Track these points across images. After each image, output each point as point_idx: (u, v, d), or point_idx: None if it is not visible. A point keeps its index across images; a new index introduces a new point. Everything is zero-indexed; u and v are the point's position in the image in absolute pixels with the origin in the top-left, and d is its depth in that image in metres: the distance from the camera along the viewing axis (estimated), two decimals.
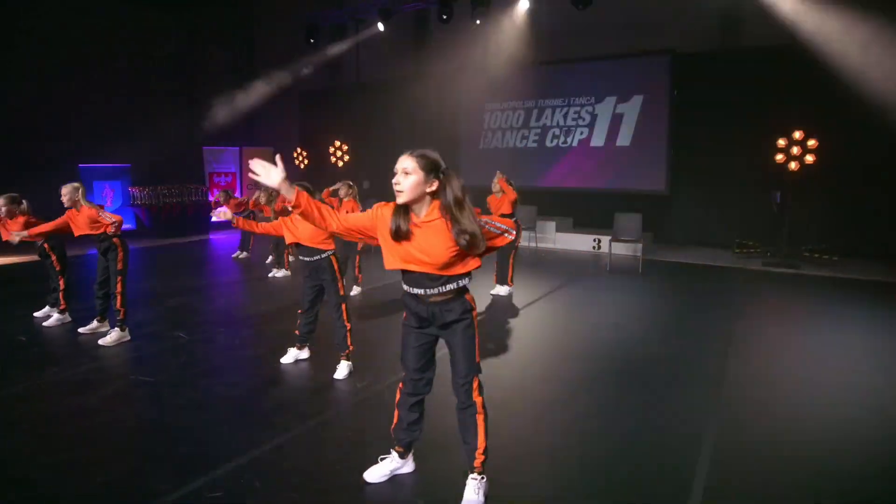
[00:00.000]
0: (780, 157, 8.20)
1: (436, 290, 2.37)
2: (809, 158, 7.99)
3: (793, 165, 8.13)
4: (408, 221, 2.31)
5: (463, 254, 2.32)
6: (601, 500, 2.60)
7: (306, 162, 14.60)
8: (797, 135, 8.03)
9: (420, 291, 2.40)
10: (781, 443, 3.12)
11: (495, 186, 6.56)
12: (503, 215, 6.60)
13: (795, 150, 8.09)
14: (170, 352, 4.60)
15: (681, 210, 10.28)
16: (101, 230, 4.76)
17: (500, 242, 2.39)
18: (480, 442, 2.53)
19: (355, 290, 6.70)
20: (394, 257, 2.38)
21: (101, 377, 4.04)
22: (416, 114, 12.62)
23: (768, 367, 4.28)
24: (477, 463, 2.54)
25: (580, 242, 10.19)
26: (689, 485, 2.69)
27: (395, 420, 2.72)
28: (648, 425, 3.31)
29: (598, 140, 11.06)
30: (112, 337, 4.75)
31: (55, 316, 5.36)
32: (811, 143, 7.94)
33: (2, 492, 2.65)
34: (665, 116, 10.22)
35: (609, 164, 10.94)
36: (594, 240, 9.90)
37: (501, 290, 6.65)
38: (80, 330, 5.03)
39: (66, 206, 4.83)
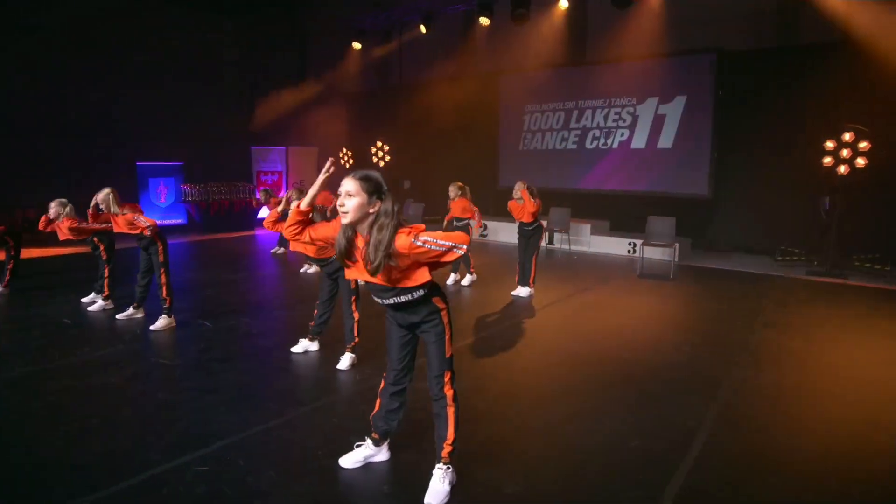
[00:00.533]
0: (828, 160, 7.78)
1: (391, 301, 2.48)
2: (860, 162, 7.54)
3: (842, 169, 7.69)
4: (350, 241, 2.40)
5: (405, 269, 2.35)
6: (566, 502, 2.60)
7: (351, 162, 15.01)
8: (847, 136, 7.59)
9: (378, 300, 2.52)
10: (768, 455, 3.01)
11: (516, 193, 6.56)
12: (523, 223, 6.60)
13: (845, 152, 7.65)
14: (192, 338, 4.91)
15: (724, 215, 9.89)
16: (139, 231, 5.13)
17: (449, 258, 2.32)
18: (450, 433, 2.61)
19: None
20: (349, 269, 2.50)
21: (126, 358, 4.37)
22: (457, 115, 12.72)
23: (781, 379, 4.10)
24: (444, 453, 2.61)
25: (616, 246, 9.99)
26: (661, 492, 2.65)
27: (376, 407, 2.83)
28: (633, 430, 3.26)
29: (639, 142, 10.81)
30: (161, 323, 5.12)
31: (99, 302, 5.80)
32: (862, 145, 7.48)
33: (14, 450, 2.95)
34: (708, 118, 9.87)
35: (650, 167, 10.67)
36: (629, 243, 9.68)
37: (522, 291, 6.65)
38: (118, 316, 5.43)
39: (105, 210, 5.28)
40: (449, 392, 2.61)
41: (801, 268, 8.28)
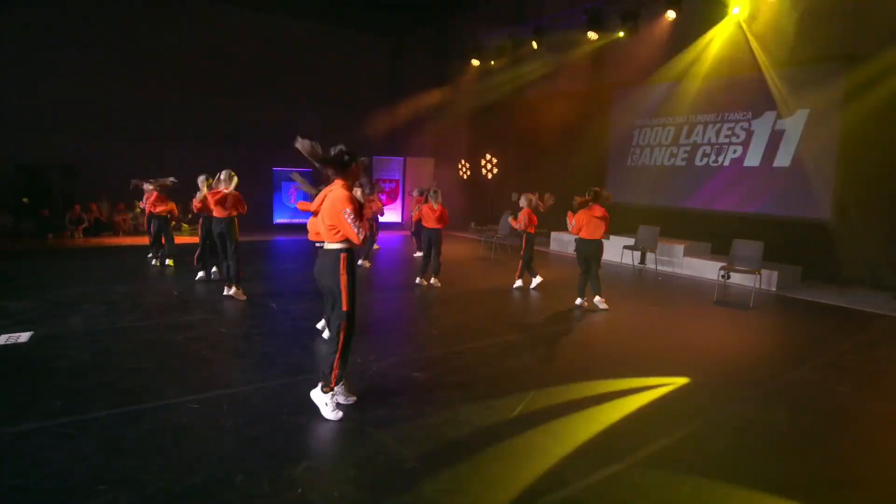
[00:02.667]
0: None
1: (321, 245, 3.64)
2: None
3: None
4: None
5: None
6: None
7: (468, 174, 15.74)
8: None
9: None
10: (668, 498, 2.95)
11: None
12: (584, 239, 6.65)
13: None
14: (255, 315, 5.89)
15: (847, 243, 8.71)
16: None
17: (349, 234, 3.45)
18: (334, 371, 3.53)
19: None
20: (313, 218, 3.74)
21: (197, 323, 5.45)
22: (567, 129, 12.78)
23: (783, 422, 3.80)
24: (330, 378, 3.53)
25: (711, 270, 9.31)
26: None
27: None
28: (540, 450, 3.36)
29: (752, 160, 9.96)
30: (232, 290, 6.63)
31: (200, 274, 7.35)
32: None
33: (86, 375, 4.02)
34: (834, 133, 8.80)
35: (764, 187, 9.76)
36: (721, 268, 8.98)
37: (597, 301, 6.71)
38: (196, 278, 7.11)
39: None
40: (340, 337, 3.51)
41: None
